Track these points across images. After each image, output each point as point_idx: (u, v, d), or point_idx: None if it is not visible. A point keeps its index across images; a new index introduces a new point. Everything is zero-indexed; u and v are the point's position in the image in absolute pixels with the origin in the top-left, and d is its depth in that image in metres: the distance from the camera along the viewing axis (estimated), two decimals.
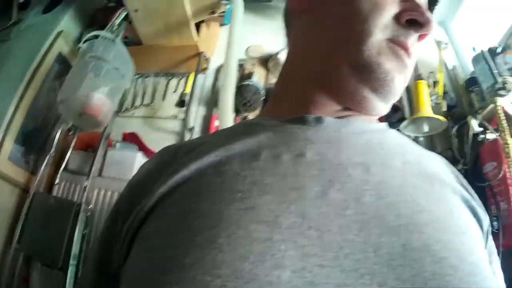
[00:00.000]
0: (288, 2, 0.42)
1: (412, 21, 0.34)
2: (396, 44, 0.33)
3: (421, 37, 0.36)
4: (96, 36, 1.28)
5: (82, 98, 1.11)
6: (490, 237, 0.36)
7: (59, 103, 1.15)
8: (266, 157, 0.29)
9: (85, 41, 1.26)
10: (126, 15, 1.41)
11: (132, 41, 1.47)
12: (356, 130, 0.33)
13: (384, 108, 0.36)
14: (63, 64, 1.42)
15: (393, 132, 0.38)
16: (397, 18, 0.34)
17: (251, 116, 1.39)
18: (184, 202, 0.27)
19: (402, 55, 0.33)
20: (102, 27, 1.41)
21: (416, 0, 0.36)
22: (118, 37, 1.35)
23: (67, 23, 1.47)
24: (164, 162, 0.33)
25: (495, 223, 0.95)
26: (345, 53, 0.34)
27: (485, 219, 0.35)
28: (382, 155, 0.31)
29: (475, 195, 0.36)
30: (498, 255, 0.36)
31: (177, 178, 0.29)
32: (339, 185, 0.27)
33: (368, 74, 0.33)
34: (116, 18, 1.39)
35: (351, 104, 0.35)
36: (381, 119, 0.93)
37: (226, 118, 1.13)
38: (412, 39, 0.34)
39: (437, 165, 0.36)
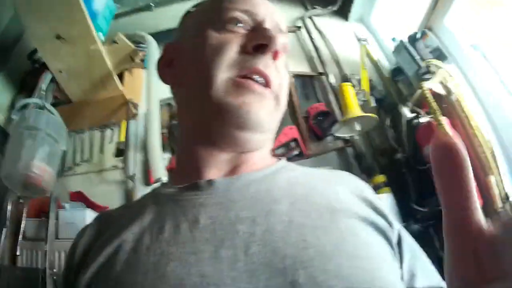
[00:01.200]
0: (161, 79, 0.67)
1: (258, 46, 0.54)
2: (244, 76, 0.54)
3: (275, 56, 0.56)
4: (27, 105, 1.87)
5: (22, 170, 1.62)
6: (406, 244, 0.55)
7: (4, 179, 1.64)
8: (169, 229, 0.50)
9: (16, 111, 1.84)
10: (53, 77, 2.00)
11: (62, 101, 2.07)
12: (245, 183, 0.54)
13: (258, 137, 0.57)
14: (1, 134, 1.95)
15: (285, 170, 0.59)
16: (244, 50, 0.55)
17: None
18: (110, 277, 0.48)
19: (250, 87, 0.53)
20: (32, 90, 2.02)
21: (262, 26, 0.58)
22: (48, 102, 1.94)
23: None
24: (94, 234, 0.58)
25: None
26: (202, 104, 0.55)
27: (391, 230, 0.54)
28: (268, 203, 0.51)
29: (381, 209, 0.55)
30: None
31: (103, 256, 0.51)
32: (229, 242, 0.46)
33: (224, 115, 0.53)
34: (42, 83, 2.00)
35: (229, 146, 0.57)
36: (315, 129, 1.63)
37: (156, 163, 1.72)
38: (263, 63, 0.54)
39: (335, 186, 0.57)
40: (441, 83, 1.63)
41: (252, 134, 0.56)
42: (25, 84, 2.17)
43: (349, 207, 0.53)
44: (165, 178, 1.66)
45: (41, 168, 1.68)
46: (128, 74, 2.17)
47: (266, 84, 0.56)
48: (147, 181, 2.00)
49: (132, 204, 0.68)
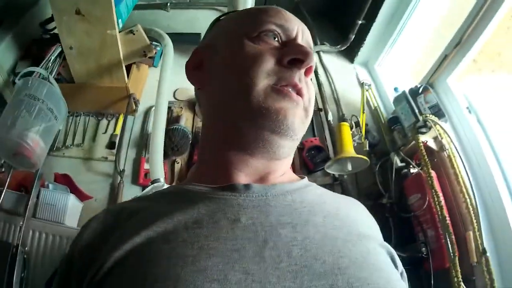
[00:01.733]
0: (190, 81, 0.69)
1: (293, 60, 0.58)
2: (282, 85, 0.57)
3: (307, 71, 0.60)
4: (31, 72, 1.81)
5: (16, 138, 1.56)
6: (405, 280, 0.61)
7: None
8: (207, 224, 0.50)
9: (21, 76, 1.76)
10: (61, 51, 1.97)
11: (64, 79, 2.03)
12: (279, 192, 0.57)
13: (289, 144, 0.60)
14: None
15: (312, 188, 0.63)
16: (279, 62, 0.58)
17: (179, 159, 1.97)
18: (141, 267, 0.47)
19: (288, 94, 0.56)
20: (35, 59, 1.98)
21: (296, 41, 0.61)
22: (52, 75, 1.89)
23: (2, 53, 1.98)
24: (109, 224, 0.56)
25: (423, 249, 1.55)
26: (238, 108, 0.57)
27: (400, 265, 0.60)
28: (305, 213, 0.55)
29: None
30: (430, 277, 0.83)
31: (131, 244, 0.49)
32: (272, 244, 0.49)
33: (262, 119, 0.55)
34: (51, 54, 1.96)
35: (261, 151, 0.59)
36: (307, 161, 1.63)
37: (156, 163, 1.70)
38: (297, 76, 0.58)
39: (355, 213, 0.62)
40: (435, 138, 1.72)
41: (285, 140, 0.59)
42: (29, 52, 2.11)
43: (371, 232, 0.61)
44: (162, 180, 1.66)
45: (35, 141, 1.64)
46: (136, 68, 2.16)
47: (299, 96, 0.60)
48: (135, 179, 2.00)
49: (150, 198, 0.65)
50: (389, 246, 0.61)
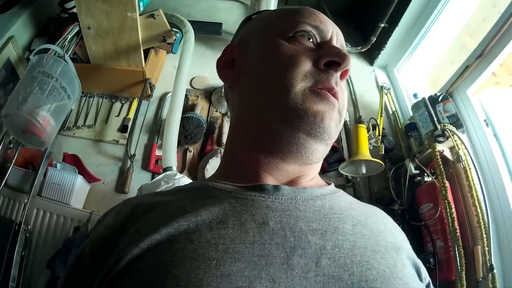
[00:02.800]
0: (222, 79, 0.68)
1: (329, 63, 0.56)
2: (320, 88, 0.55)
3: (343, 74, 0.59)
4: (46, 49, 1.77)
5: (27, 115, 1.52)
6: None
7: (3, 117, 1.56)
8: (233, 226, 0.48)
9: (36, 53, 1.72)
10: (78, 31, 1.94)
11: (80, 59, 2.01)
12: (309, 197, 0.55)
13: (323, 149, 0.58)
14: (10, 72, 1.91)
15: (340, 194, 0.61)
16: (316, 64, 0.56)
17: (191, 148, 1.95)
18: (161, 268, 0.44)
19: (326, 96, 0.55)
20: (51, 38, 1.96)
21: (331, 44, 0.60)
22: (68, 54, 1.85)
23: (19, 28, 1.98)
24: (125, 218, 0.53)
25: (431, 259, 1.52)
26: (274, 109, 0.56)
27: (426, 276, 0.58)
28: (335, 220, 0.52)
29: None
30: (436, 287, 0.72)
31: (149, 241, 0.46)
32: (301, 251, 0.46)
33: (299, 121, 0.54)
34: (68, 33, 1.92)
35: (293, 155, 0.57)
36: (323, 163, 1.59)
37: (170, 150, 1.65)
38: (334, 79, 0.56)
39: (382, 223, 0.59)
40: (451, 148, 1.70)
41: (319, 144, 0.57)
42: (46, 30, 2.09)
43: (398, 243, 0.57)
44: (175, 168, 1.62)
45: (46, 119, 1.59)
46: (154, 53, 2.12)
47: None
48: (145, 165, 1.97)
49: (170, 193, 0.62)
50: (415, 257, 0.59)
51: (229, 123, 1.89)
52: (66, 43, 1.90)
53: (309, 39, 0.60)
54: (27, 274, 1.55)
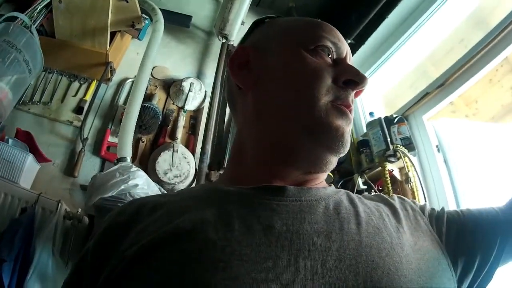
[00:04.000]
0: (235, 80, 0.67)
1: (347, 81, 0.60)
2: (340, 104, 0.58)
3: (357, 93, 0.63)
4: (14, 17, 1.68)
5: None
6: (442, 213, 0.62)
7: None
8: (239, 228, 0.48)
9: (2, 20, 1.63)
10: (48, 3, 1.86)
11: (45, 32, 1.95)
12: (314, 198, 0.56)
13: (335, 161, 0.60)
14: None
15: (343, 193, 0.62)
16: (335, 81, 0.59)
17: (144, 139, 1.94)
18: (166, 268, 0.44)
19: (345, 112, 0.59)
20: (20, 5, 1.87)
21: (346, 62, 0.63)
22: (35, 25, 1.78)
23: None
24: (130, 218, 0.54)
25: None
26: (297, 119, 0.58)
27: (425, 217, 0.61)
28: (339, 220, 0.53)
29: (418, 210, 0.62)
30: None
31: (154, 241, 0.47)
32: (307, 253, 0.47)
33: (321, 134, 0.57)
34: (38, 4, 1.83)
35: (307, 164, 0.59)
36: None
37: (126, 140, 1.64)
38: (351, 97, 0.60)
39: (384, 211, 0.60)
40: (401, 169, 1.75)
41: (335, 156, 0.60)
42: None
43: (398, 217, 0.60)
44: (129, 159, 1.60)
45: (4, 91, 1.53)
46: (119, 37, 2.10)
47: None
48: (97, 150, 1.93)
49: (175, 194, 0.65)
50: (416, 208, 0.63)
51: (184, 117, 1.84)
52: (35, 14, 1.83)
53: (328, 54, 0.63)
54: None
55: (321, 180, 0.65)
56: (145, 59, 1.86)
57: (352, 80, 0.60)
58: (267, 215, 0.52)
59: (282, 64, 0.63)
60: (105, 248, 0.52)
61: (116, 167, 1.52)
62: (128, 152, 1.63)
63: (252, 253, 0.46)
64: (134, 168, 1.53)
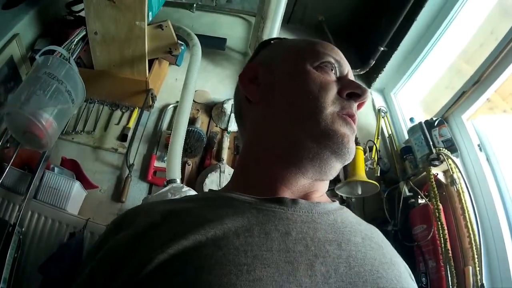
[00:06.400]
0: (245, 93, 0.72)
1: (350, 94, 0.66)
2: (345, 114, 0.63)
3: (360, 105, 0.69)
4: (52, 51, 1.75)
5: (29, 115, 1.50)
6: None
7: (5, 115, 1.55)
8: (258, 234, 0.51)
9: (41, 54, 1.69)
10: (84, 35, 1.92)
11: (84, 64, 2.03)
12: (323, 211, 0.60)
13: (339, 167, 0.65)
14: (12, 70, 1.91)
15: (346, 210, 0.66)
16: (339, 93, 0.65)
17: (190, 162, 1.99)
18: (190, 273, 0.46)
19: (350, 122, 0.63)
20: (55, 39, 1.96)
21: (348, 78, 0.69)
22: (73, 57, 1.84)
23: (24, 27, 1.98)
24: (145, 224, 0.54)
25: (423, 279, 1.58)
26: (304, 128, 0.62)
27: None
28: (346, 233, 0.58)
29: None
30: None
31: (177, 247, 0.48)
32: (322, 259, 0.51)
33: (327, 140, 0.61)
34: (75, 36, 1.91)
35: (314, 171, 0.63)
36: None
37: (175, 163, 1.70)
38: (354, 108, 0.65)
39: (382, 238, 0.66)
40: (445, 172, 1.78)
41: (339, 162, 0.64)
42: (49, 31, 2.10)
43: (398, 257, 0.65)
44: (179, 181, 1.66)
45: (49, 121, 1.59)
46: (157, 64, 2.16)
47: None
48: (143, 175, 2.00)
49: (190, 200, 0.65)
50: (410, 270, 0.67)
51: (228, 139, 1.89)
52: (72, 46, 1.90)
53: (331, 70, 0.68)
54: (19, 277, 1.54)
55: (323, 191, 0.70)
56: (186, 84, 1.92)
57: (354, 92, 0.67)
58: (284, 223, 0.55)
59: (289, 78, 0.69)
60: (119, 256, 0.52)
61: (167, 188, 1.58)
62: (177, 174, 1.68)
63: (272, 257, 0.49)
64: (186, 188, 1.58)
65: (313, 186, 0.66)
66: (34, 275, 1.52)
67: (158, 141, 2.10)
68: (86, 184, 1.86)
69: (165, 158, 2.01)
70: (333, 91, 0.65)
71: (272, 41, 0.82)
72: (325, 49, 0.70)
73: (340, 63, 0.70)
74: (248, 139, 0.73)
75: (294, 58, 0.70)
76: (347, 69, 0.71)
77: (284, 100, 0.67)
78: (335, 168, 0.65)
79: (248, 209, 0.57)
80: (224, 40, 2.46)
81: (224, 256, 0.48)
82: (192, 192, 1.57)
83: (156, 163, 2.02)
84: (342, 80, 0.68)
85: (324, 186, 0.69)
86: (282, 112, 0.66)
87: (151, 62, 2.09)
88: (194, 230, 0.51)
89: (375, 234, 0.66)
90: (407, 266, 0.67)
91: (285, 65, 0.71)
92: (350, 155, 0.63)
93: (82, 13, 1.89)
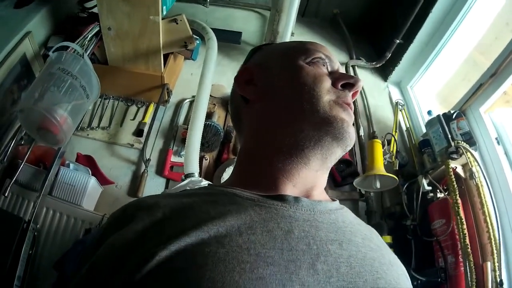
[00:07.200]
0: (242, 94, 0.74)
1: (344, 84, 0.68)
2: (341, 102, 0.65)
3: (354, 94, 0.70)
4: (65, 47, 1.76)
5: (43, 111, 1.50)
6: None
7: (19, 112, 1.56)
8: (261, 232, 0.51)
9: (54, 50, 1.71)
10: (98, 31, 1.96)
11: (98, 59, 2.03)
12: (324, 210, 0.61)
13: (339, 154, 0.66)
14: (25, 67, 1.90)
15: (346, 210, 0.68)
16: (333, 85, 0.67)
17: (207, 156, 1.98)
18: (193, 269, 0.46)
19: (347, 108, 0.66)
20: (68, 36, 1.95)
21: (339, 71, 0.72)
22: (87, 53, 1.85)
23: (36, 24, 1.98)
24: (149, 221, 0.53)
25: (442, 274, 1.57)
26: (304, 117, 0.64)
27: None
28: (348, 232, 0.59)
29: None
30: None
31: (178, 244, 0.48)
32: (323, 258, 0.52)
33: (327, 126, 0.62)
34: (88, 32, 1.93)
35: (316, 157, 0.64)
36: (335, 174, 1.70)
37: (192, 157, 1.68)
38: (349, 97, 0.68)
39: (380, 239, 0.68)
40: (464, 165, 1.76)
41: (340, 148, 0.65)
42: (62, 28, 2.10)
43: (396, 259, 0.66)
44: (197, 175, 1.65)
45: (63, 117, 1.58)
46: (172, 59, 2.16)
47: None
48: (160, 170, 2.00)
49: (191, 194, 0.64)
50: (406, 272, 0.67)
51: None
52: (86, 43, 1.90)
53: (323, 65, 0.71)
54: (33, 274, 1.54)
55: (322, 187, 0.71)
56: (203, 77, 1.91)
57: (348, 83, 0.69)
58: (286, 221, 0.56)
59: (285, 74, 0.71)
60: (126, 248, 0.51)
61: (186, 181, 1.57)
62: (195, 168, 1.67)
63: (275, 255, 0.49)
64: (204, 182, 1.57)
65: (315, 179, 0.67)
66: (49, 271, 1.52)
67: (175, 136, 2.10)
68: (102, 180, 1.86)
69: (182, 153, 2.02)
70: (327, 82, 0.68)
71: (263, 46, 0.85)
72: (315, 47, 0.73)
73: (331, 59, 0.73)
74: (248, 137, 0.74)
75: (288, 56, 0.73)
76: (338, 65, 0.75)
77: (282, 95, 0.69)
78: (336, 154, 0.66)
79: (251, 206, 0.57)
80: (239, 34, 2.46)
81: (227, 253, 0.48)
82: None
83: (173, 158, 2.02)
84: (334, 73, 0.71)
85: (324, 181, 0.71)
86: (281, 106, 0.68)
87: (166, 57, 2.09)
88: (197, 227, 0.51)
89: (374, 235, 0.68)
90: (403, 267, 0.67)
91: (280, 63, 0.74)
92: (351, 140, 0.65)
93: (95, 10, 1.90)
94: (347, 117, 0.65)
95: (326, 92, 0.66)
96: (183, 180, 1.62)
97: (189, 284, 0.45)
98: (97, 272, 0.51)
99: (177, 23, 1.92)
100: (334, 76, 0.70)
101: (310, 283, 0.48)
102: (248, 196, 0.60)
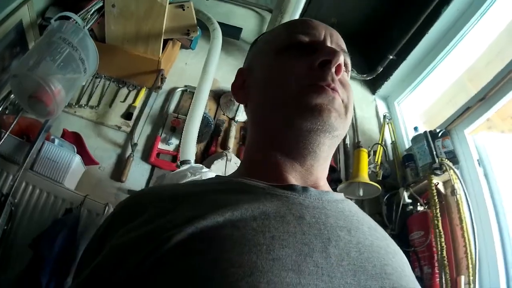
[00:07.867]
0: (236, 100, 0.79)
1: (323, 62, 0.63)
2: (315, 84, 0.62)
3: (337, 70, 0.64)
4: (67, 17, 1.69)
5: (39, 79, 1.44)
6: None
7: (12, 77, 1.49)
8: (275, 217, 0.53)
9: (56, 19, 1.64)
10: (101, 7, 1.88)
11: (94, 36, 1.97)
12: (331, 199, 0.62)
13: (329, 142, 0.64)
14: (19, 35, 1.83)
15: (350, 201, 0.68)
16: (310, 67, 0.63)
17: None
18: (210, 251, 0.47)
19: (324, 89, 0.61)
20: (67, 9, 1.81)
21: (324, 44, 0.67)
22: (87, 27, 1.80)
23: None
24: (167, 202, 0.55)
25: None
26: (279, 115, 0.64)
27: None
28: (355, 221, 0.61)
29: None
30: None
31: (195, 227, 0.49)
32: (335, 243, 0.53)
33: (299, 119, 0.61)
34: (91, 6, 1.85)
35: (302, 153, 0.64)
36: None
37: (190, 145, 1.67)
38: (330, 76, 0.63)
39: (383, 231, 0.68)
40: (445, 182, 1.84)
41: (324, 137, 0.63)
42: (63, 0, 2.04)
43: (400, 251, 0.67)
44: (193, 162, 1.64)
45: (57, 89, 1.51)
46: (171, 46, 2.14)
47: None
48: (146, 156, 1.98)
49: (204, 184, 0.68)
50: (409, 263, 0.69)
51: (235, 128, 1.98)
52: (88, 16, 1.85)
53: (302, 47, 0.68)
54: (7, 251, 1.49)
55: (324, 177, 0.72)
56: (206, 66, 1.91)
57: (326, 59, 0.64)
58: (297, 208, 0.57)
59: (260, 73, 0.72)
60: (141, 230, 0.52)
61: (186, 167, 1.56)
62: (191, 156, 1.67)
63: (289, 238, 0.51)
64: (205, 169, 1.57)
65: (313, 172, 0.68)
66: (24, 250, 1.45)
67: (164, 123, 2.08)
68: (87, 159, 1.81)
69: (170, 141, 2.01)
70: (298, 68, 0.64)
71: (258, 39, 0.85)
72: (292, 28, 0.71)
73: (312, 34, 0.69)
74: (249, 133, 0.78)
75: (265, 51, 0.73)
76: (323, 35, 0.69)
77: (258, 95, 0.71)
78: (323, 143, 0.64)
79: (262, 194, 0.59)
80: (240, 29, 2.47)
81: (243, 236, 0.49)
82: (211, 174, 1.55)
83: (160, 145, 2.01)
84: (316, 50, 0.66)
85: (323, 171, 0.71)
86: (259, 106, 0.71)
87: (165, 43, 2.07)
88: (212, 211, 0.52)
89: (378, 227, 0.68)
90: (406, 258, 0.68)
91: (259, 62, 0.75)
92: (331, 126, 0.62)
93: None
94: (324, 101, 0.61)
95: (296, 80, 0.63)
96: (178, 167, 1.60)
97: (205, 265, 0.46)
98: (104, 273, 0.50)
99: (183, 10, 1.92)
100: (312, 58, 0.65)
101: (323, 265, 0.50)
102: (259, 185, 0.61)
